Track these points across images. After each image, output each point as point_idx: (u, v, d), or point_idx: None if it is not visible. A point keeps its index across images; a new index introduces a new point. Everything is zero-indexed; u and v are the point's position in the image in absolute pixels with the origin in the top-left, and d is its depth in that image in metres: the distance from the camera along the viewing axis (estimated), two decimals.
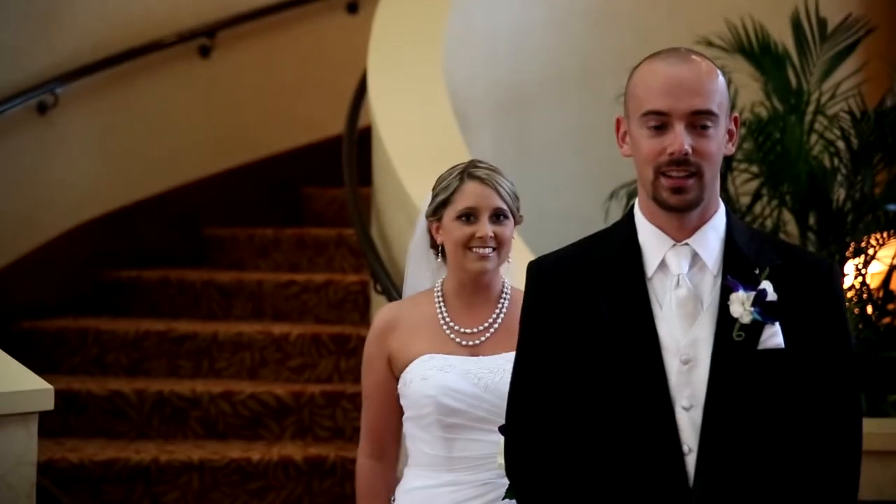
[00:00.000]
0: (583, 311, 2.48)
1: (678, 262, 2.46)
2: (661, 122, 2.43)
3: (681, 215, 2.46)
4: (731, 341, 2.42)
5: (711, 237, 2.48)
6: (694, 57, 2.48)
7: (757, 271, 2.44)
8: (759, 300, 2.41)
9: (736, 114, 2.52)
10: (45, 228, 6.50)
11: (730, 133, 2.49)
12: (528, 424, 2.54)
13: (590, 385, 2.47)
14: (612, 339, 2.45)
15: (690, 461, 2.42)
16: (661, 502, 2.42)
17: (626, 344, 2.44)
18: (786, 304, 2.43)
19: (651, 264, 2.48)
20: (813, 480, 2.45)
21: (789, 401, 2.43)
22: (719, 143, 2.45)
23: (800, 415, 2.44)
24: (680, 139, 2.40)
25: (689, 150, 2.41)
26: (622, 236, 2.52)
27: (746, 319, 2.41)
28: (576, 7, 6.50)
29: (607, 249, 2.52)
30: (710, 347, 2.43)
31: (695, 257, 2.47)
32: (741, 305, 2.42)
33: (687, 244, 2.47)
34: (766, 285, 2.42)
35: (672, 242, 2.48)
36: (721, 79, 2.47)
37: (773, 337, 2.42)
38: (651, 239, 2.49)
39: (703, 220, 2.48)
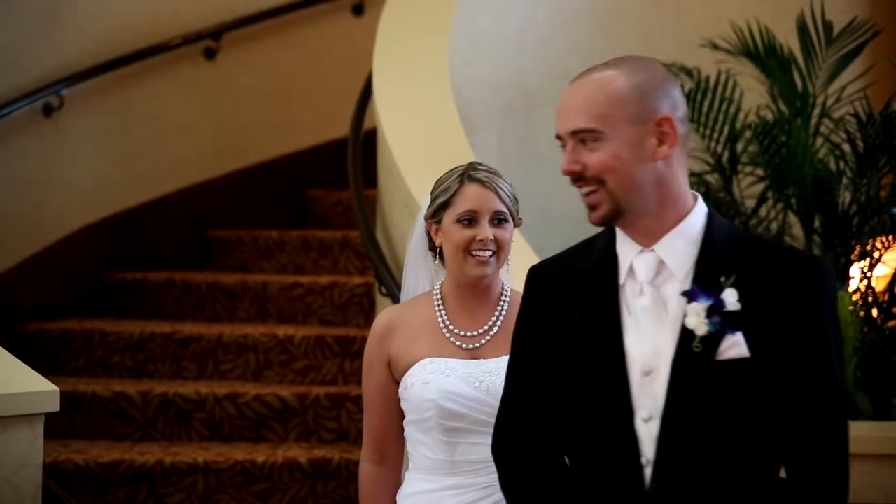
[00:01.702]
0: (560, 319, 2.48)
1: (643, 269, 2.43)
2: (562, 145, 2.45)
3: (631, 225, 2.43)
4: (690, 352, 2.37)
5: (680, 243, 2.43)
6: (592, 74, 2.44)
7: (723, 279, 2.38)
8: (717, 310, 2.36)
9: (666, 114, 2.41)
10: (50, 230, 6.51)
11: (659, 136, 2.41)
12: (511, 427, 2.57)
13: (563, 393, 2.48)
14: (581, 347, 2.45)
15: (649, 473, 2.40)
16: None
17: (594, 353, 2.43)
18: (761, 309, 2.38)
19: (623, 272, 2.46)
20: (797, 491, 2.39)
21: (760, 410, 2.37)
22: (617, 152, 2.39)
23: (774, 424, 2.38)
24: (566, 158, 2.43)
25: (574, 168, 2.41)
26: (603, 243, 2.51)
27: (702, 331, 2.36)
28: (581, 8, 6.50)
29: (589, 256, 2.51)
30: (671, 358, 2.39)
31: (662, 264, 2.43)
32: (697, 316, 2.37)
33: (653, 251, 2.44)
34: (729, 294, 2.37)
35: (639, 249, 2.45)
36: (618, 87, 2.40)
37: (735, 347, 2.36)
38: (623, 246, 2.47)
39: (667, 227, 2.43)
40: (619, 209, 2.41)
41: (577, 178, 2.43)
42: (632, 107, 2.40)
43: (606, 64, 2.46)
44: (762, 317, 2.37)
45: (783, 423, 2.38)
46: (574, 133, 2.42)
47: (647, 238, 2.43)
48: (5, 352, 4.06)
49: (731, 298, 2.36)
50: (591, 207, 2.43)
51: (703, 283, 2.39)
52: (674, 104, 2.43)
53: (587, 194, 2.42)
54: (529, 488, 2.53)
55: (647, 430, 2.39)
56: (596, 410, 2.42)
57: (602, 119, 2.40)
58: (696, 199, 2.48)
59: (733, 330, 2.36)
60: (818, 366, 2.39)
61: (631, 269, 2.45)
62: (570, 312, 2.47)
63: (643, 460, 2.39)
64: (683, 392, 2.37)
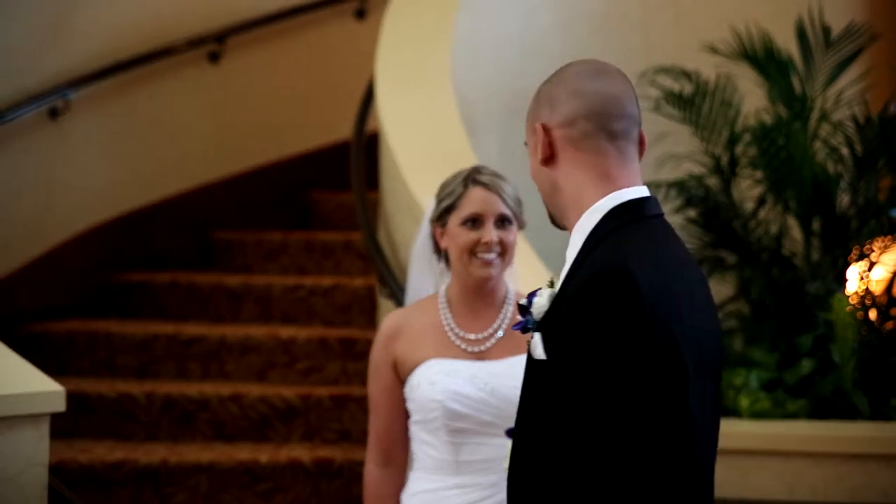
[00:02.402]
0: None
1: (564, 267, 2.46)
2: None
3: (563, 226, 2.48)
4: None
5: (576, 241, 2.40)
6: None
7: (553, 279, 2.39)
8: (527, 310, 2.37)
9: (540, 122, 2.45)
10: (55, 232, 6.54)
11: (540, 142, 2.45)
12: None
13: None
14: None
15: None
16: None
17: None
18: (562, 317, 2.30)
19: None
20: None
21: (546, 414, 2.29)
22: (531, 160, 2.49)
23: (550, 432, 2.29)
24: None
25: None
26: None
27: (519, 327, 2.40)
28: (582, 11, 6.52)
29: None
30: None
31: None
32: (521, 314, 2.41)
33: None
34: (541, 294, 2.36)
35: None
36: (533, 102, 2.50)
37: (535, 347, 2.33)
38: None
39: (570, 227, 2.44)
40: (549, 212, 2.48)
41: None
42: (531, 117, 2.50)
43: None
44: (559, 324, 2.30)
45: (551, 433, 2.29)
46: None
47: None
48: (11, 352, 4.08)
49: (539, 299, 2.36)
50: None
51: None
52: (556, 109, 2.44)
53: None
54: None
55: None
56: None
57: (526, 131, 2.52)
58: (605, 195, 2.38)
59: (534, 329, 2.35)
60: (558, 392, 2.27)
61: None
62: None
63: None
64: (523, 383, 2.40)
